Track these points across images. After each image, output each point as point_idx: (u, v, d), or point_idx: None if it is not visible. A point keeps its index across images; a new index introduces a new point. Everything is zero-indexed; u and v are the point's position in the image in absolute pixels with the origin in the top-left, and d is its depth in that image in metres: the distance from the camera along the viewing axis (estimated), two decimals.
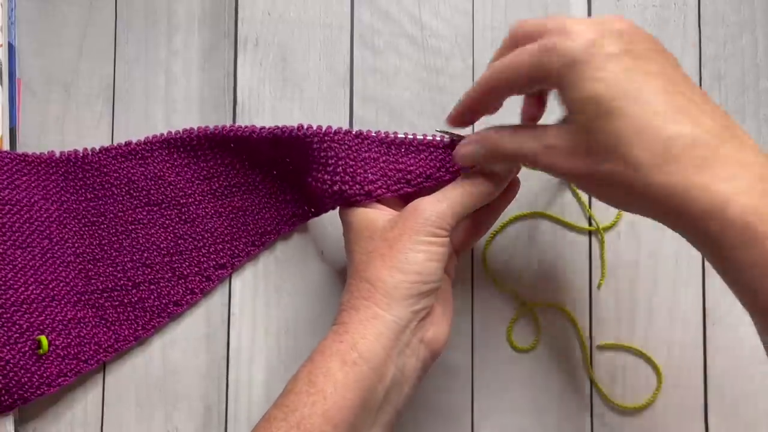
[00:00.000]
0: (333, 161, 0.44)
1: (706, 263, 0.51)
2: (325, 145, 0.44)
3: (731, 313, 0.50)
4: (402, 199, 0.45)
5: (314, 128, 0.45)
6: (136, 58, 0.51)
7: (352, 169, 0.44)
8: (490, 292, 0.50)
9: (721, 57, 0.52)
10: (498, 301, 0.50)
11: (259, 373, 0.49)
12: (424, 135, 0.45)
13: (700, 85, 0.52)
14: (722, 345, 0.50)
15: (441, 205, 0.41)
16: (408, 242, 0.40)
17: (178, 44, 0.52)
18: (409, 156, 0.45)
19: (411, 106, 0.51)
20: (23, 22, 0.51)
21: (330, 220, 0.50)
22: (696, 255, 0.51)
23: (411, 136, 0.45)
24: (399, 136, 0.45)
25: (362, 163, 0.44)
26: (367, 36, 0.52)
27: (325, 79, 0.52)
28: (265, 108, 0.50)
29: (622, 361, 0.50)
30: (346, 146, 0.44)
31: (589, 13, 0.52)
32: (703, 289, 0.51)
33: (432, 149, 0.45)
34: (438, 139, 0.45)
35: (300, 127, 0.45)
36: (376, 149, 0.45)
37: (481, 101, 0.41)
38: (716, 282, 0.51)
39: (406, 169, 0.44)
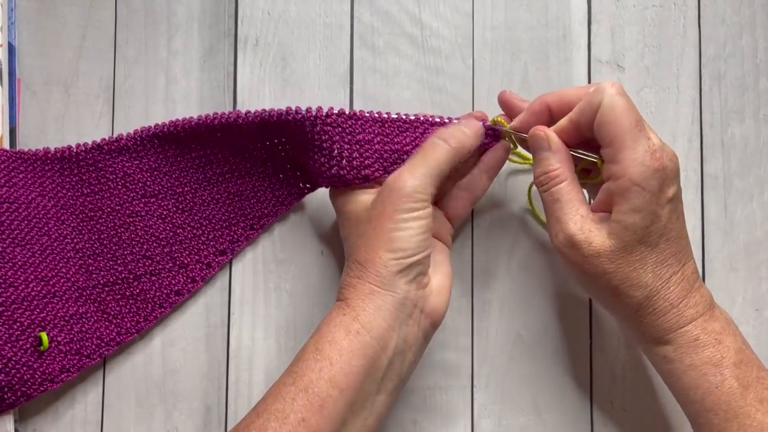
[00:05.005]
0: (328, 145, 0.44)
1: (706, 263, 0.51)
2: (318, 128, 0.44)
3: (731, 314, 0.50)
4: None
5: (303, 112, 0.45)
6: (136, 58, 0.51)
7: (347, 153, 0.44)
8: (490, 291, 0.51)
9: (721, 57, 0.52)
10: (498, 301, 0.51)
11: (259, 373, 0.49)
12: (416, 114, 0.46)
13: (700, 85, 0.52)
14: None
15: (413, 177, 0.42)
16: (388, 222, 0.41)
17: (178, 44, 0.52)
18: (404, 135, 0.45)
19: (411, 106, 0.51)
20: (23, 22, 0.51)
21: (330, 220, 0.50)
22: (696, 255, 0.51)
23: (404, 116, 0.46)
24: (392, 115, 0.45)
25: (357, 146, 0.44)
26: (367, 36, 0.52)
27: (325, 79, 0.52)
28: (265, 108, 0.50)
29: (621, 361, 0.50)
30: (340, 129, 0.44)
31: (589, 13, 0.52)
32: None
33: (427, 126, 0.45)
34: (430, 118, 0.45)
35: (289, 111, 0.45)
36: (370, 129, 0.45)
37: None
38: (716, 282, 0.51)
39: (402, 149, 0.45)
